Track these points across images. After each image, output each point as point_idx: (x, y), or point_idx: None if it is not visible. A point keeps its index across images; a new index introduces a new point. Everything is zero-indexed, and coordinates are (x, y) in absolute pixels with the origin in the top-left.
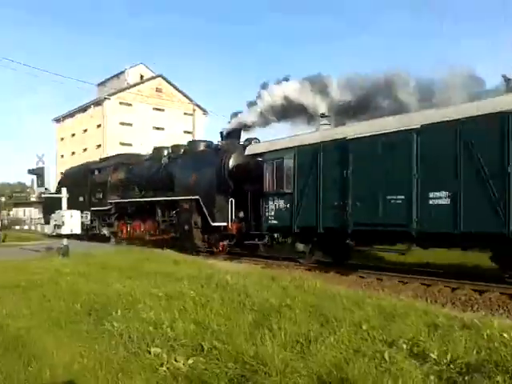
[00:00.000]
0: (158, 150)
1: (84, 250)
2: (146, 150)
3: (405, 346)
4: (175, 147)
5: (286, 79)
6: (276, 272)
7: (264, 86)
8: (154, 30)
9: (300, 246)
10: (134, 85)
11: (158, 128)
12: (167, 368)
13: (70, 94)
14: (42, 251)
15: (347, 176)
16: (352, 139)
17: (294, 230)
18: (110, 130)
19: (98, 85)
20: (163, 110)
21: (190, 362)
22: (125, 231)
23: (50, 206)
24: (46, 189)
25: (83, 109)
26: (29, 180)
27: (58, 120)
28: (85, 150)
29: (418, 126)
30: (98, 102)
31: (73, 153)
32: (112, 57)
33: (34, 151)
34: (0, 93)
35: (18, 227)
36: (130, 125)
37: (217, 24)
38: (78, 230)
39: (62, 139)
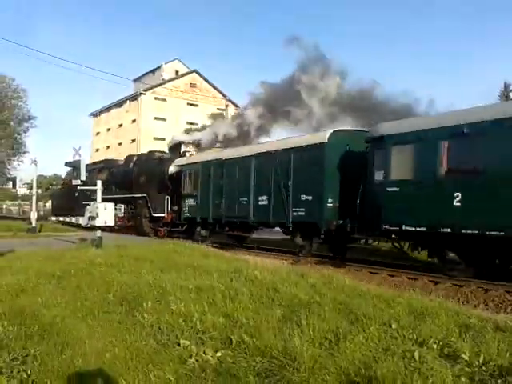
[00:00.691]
0: (129, 157)
1: (115, 241)
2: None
3: (435, 346)
4: (141, 155)
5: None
6: (305, 268)
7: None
8: (193, 27)
9: (203, 232)
10: (169, 80)
11: (191, 123)
12: (196, 360)
13: (107, 90)
14: (77, 242)
15: (222, 184)
16: (225, 159)
17: (197, 220)
18: (145, 125)
19: (134, 80)
20: (197, 106)
21: (219, 354)
22: None
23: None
24: (82, 181)
25: (119, 104)
26: (65, 172)
27: (94, 114)
28: (119, 144)
29: (254, 154)
30: (133, 97)
31: (108, 147)
32: (149, 53)
33: (70, 145)
34: (40, 87)
35: (54, 218)
36: (164, 120)
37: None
38: (111, 222)
39: (98, 133)
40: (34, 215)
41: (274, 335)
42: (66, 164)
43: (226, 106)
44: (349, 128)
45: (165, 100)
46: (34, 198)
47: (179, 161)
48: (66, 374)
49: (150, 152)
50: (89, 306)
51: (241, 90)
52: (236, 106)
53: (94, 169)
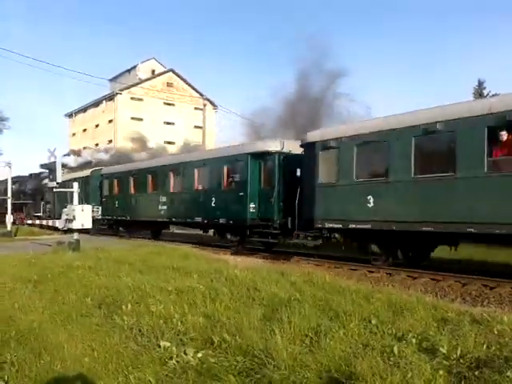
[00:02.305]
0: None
1: (94, 244)
2: (156, 144)
3: (414, 341)
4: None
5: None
6: (285, 267)
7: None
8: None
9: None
10: (145, 80)
11: (168, 123)
12: (176, 361)
13: (82, 90)
14: (53, 245)
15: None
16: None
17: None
18: (121, 125)
19: (110, 80)
20: (174, 105)
21: (200, 355)
22: None
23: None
24: (57, 183)
25: (95, 104)
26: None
27: (70, 115)
28: (96, 145)
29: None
30: (109, 97)
31: (84, 148)
32: (125, 52)
33: (45, 146)
34: (14, 88)
35: (30, 221)
36: (141, 120)
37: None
38: (89, 225)
39: (74, 134)
40: (9, 219)
41: (255, 334)
42: (42, 166)
43: (204, 105)
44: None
45: (141, 100)
46: (9, 202)
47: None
48: (45, 379)
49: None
50: (67, 310)
51: (219, 88)
52: (214, 105)
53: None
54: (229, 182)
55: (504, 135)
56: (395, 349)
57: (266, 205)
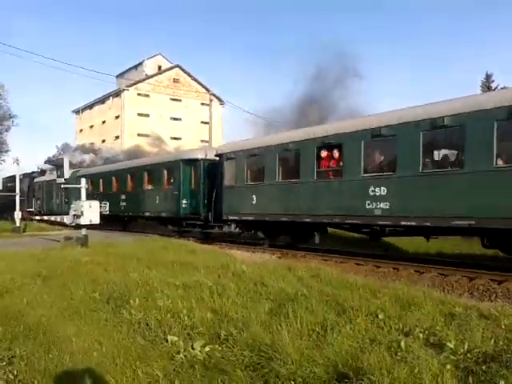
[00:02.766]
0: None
1: (102, 239)
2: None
3: (421, 336)
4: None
5: None
6: (292, 262)
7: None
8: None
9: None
10: (152, 76)
11: (175, 118)
12: (184, 356)
13: (89, 86)
14: (62, 241)
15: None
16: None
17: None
18: (128, 121)
19: (117, 76)
20: (180, 101)
21: (207, 349)
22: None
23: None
24: (65, 179)
25: (102, 100)
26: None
27: (77, 112)
28: (103, 141)
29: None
30: (116, 94)
31: (91, 144)
32: (131, 48)
33: (53, 142)
34: (20, 85)
35: (38, 217)
36: (148, 116)
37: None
38: (97, 221)
39: (81, 131)
40: (17, 215)
41: (262, 329)
42: (49, 162)
43: (210, 100)
44: None
45: (148, 96)
46: (18, 198)
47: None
48: (54, 373)
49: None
50: (75, 304)
51: (226, 83)
52: (220, 100)
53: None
54: (168, 183)
55: (323, 153)
56: (402, 344)
57: (195, 202)
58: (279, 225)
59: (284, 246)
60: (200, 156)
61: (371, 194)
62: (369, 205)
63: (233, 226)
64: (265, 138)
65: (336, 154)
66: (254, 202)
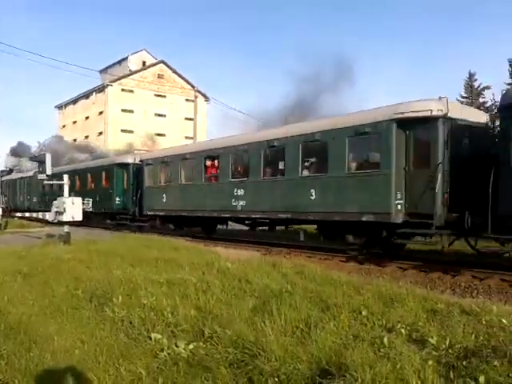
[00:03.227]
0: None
1: (85, 236)
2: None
3: (404, 332)
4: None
5: None
6: (277, 258)
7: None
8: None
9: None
10: (136, 71)
11: (159, 115)
12: (167, 353)
13: (72, 82)
14: (44, 238)
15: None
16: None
17: None
18: (112, 117)
19: (101, 71)
20: (165, 97)
21: (191, 347)
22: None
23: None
24: (47, 175)
25: (85, 96)
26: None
27: (60, 107)
28: (86, 137)
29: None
30: (100, 89)
31: (74, 140)
32: (115, 43)
33: (35, 138)
34: (2, 79)
35: (19, 214)
36: (132, 112)
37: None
38: (79, 217)
39: (64, 126)
40: None
41: (246, 326)
42: (31, 158)
43: (195, 97)
44: None
45: (132, 91)
46: None
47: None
48: (35, 372)
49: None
50: (57, 302)
51: (211, 79)
52: (205, 97)
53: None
54: (106, 183)
55: (208, 162)
56: (385, 340)
57: (126, 199)
58: (182, 218)
59: (265, 242)
60: (130, 161)
61: (235, 194)
62: (234, 202)
63: (158, 220)
64: (173, 148)
65: (216, 163)
66: (164, 200)
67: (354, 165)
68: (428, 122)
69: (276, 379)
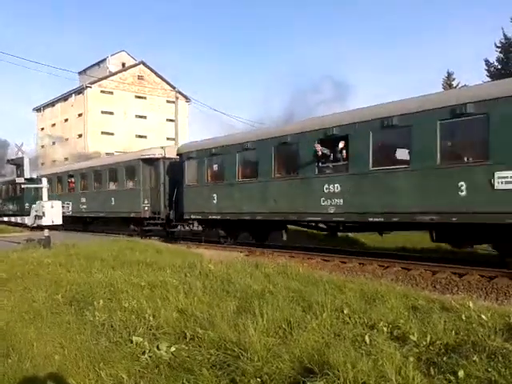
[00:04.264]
0: None
1: (65, 240)
2: (127, 138)
3: (385, 329)
4: None
5: None
6: (260, 259)
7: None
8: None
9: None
10: (115, 72)
11: (140, 116)
12: (149, 356)
13: (51, 83)
14: (23, 243)
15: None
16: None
17: None
18: (92, 119)
19: (80, 73)
20: (145, 98)
21: (173, 349)
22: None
23: None
24: (25, 179)
25: (64, 98)
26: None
27: (38, 109)
28: (66, 139)
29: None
30: (79, 91)
31: (53, 143)
32: (93, 44)
33: (13, 141)
34: None
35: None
36: (112, 113)
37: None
38: (59, 221)
39: (43, 129)
40: None
41: (229, 327)
42: (9, 161)
43: (176, 98)
44: None
45: (111, 93)
46: None
47: None
48: (13, 378)
49: None
50: (37, 307)
51: (192, 80)
52: (186, 98)
53: None
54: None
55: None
56: (367, 338)
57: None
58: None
59: (252, 243)
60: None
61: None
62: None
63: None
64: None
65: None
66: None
67: None
68: (157, 160)
69: (259, 379)
